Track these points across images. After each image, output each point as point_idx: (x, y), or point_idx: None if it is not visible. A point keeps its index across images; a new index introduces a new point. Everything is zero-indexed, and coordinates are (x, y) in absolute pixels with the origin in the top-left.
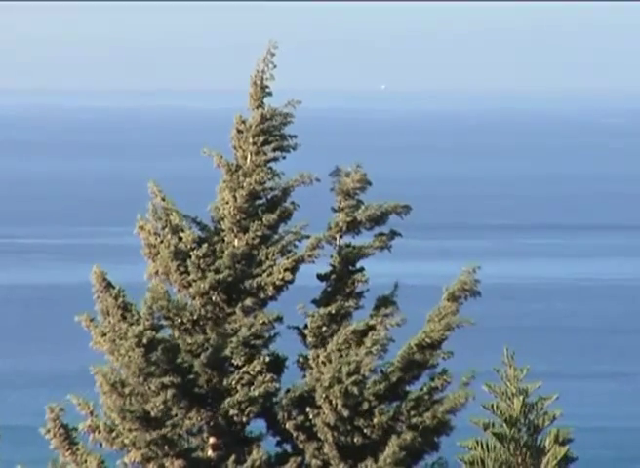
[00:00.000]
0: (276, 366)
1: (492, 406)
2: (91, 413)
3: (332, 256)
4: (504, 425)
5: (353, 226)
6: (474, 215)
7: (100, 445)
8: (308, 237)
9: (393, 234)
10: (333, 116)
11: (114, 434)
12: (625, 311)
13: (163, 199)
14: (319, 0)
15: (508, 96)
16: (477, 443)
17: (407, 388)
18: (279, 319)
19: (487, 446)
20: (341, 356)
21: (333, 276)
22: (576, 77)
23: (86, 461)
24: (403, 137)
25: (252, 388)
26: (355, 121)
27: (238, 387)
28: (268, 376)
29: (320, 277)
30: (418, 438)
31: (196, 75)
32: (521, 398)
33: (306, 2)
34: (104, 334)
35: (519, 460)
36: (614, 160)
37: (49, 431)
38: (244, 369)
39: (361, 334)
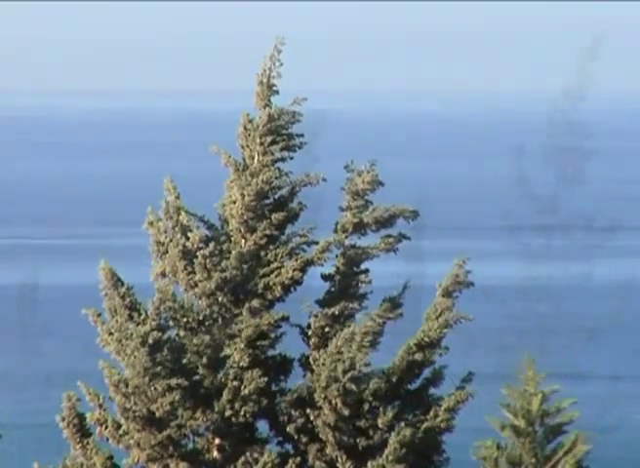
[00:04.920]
0: (283, 366)
1: (509, 405)
2: (100, 406)
3: (337, 257)
4: (522, 422)
5: (359, 227)
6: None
7: (107, 440)
8: (317, 243)
9: (401, 237)
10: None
11: (121, 432)
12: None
13: (177, 197)
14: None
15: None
16: (493, 443)
17: (408, 387)
18: (285, 319)
19: (502, 446)
20: (339, 355)
21: (337, 277)
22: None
23: (96, 453)
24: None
25: (242, 386)
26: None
27: (229, 384)
28: (255, 372)
29: (324, 277)
30: (418, 435)
31: (196, 75)
32: (539, 397)
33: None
34: (111, 333)
35: (533, 460)
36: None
37: (63, 419)
38: (230, 362)
39: None
